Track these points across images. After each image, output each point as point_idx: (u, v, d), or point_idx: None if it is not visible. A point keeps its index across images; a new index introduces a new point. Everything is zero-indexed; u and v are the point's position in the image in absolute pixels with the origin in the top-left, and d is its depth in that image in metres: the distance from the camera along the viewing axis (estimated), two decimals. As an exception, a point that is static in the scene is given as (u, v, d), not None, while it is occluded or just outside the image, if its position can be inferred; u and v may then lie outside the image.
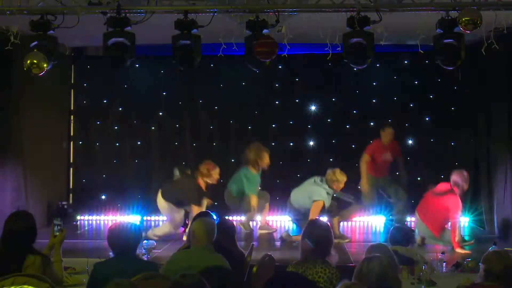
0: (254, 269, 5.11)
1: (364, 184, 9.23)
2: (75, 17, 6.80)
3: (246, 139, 10.70)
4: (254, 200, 9.13)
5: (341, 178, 8.62)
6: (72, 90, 10.97)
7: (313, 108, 10.68)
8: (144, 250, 6.49)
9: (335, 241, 8.69)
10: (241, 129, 10.83)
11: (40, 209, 9.52)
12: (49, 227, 5.00)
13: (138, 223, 4.86)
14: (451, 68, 7.19)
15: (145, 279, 3.99)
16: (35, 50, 6.81)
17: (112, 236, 4.62)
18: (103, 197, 10.88)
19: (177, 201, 8.64)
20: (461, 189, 8.12)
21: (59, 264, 4.87)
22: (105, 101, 10.97)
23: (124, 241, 4.57)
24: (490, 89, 9.62)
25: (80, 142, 10.98)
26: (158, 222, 10.60)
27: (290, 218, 9.38)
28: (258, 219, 9.70)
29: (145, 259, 6.32)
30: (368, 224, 10.41)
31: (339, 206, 8.99)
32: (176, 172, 8.90)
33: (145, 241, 6.64)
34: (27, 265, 4.50)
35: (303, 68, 10.60)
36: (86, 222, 10.68)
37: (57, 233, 4.95)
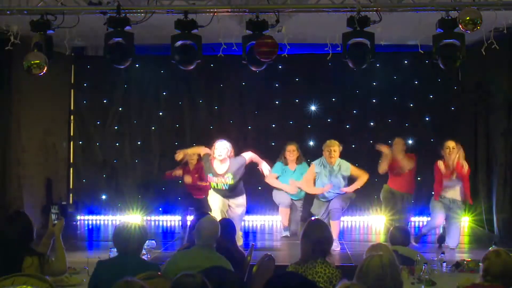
0: (254, 269, 5.11)
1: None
2: (75, 17, 6.80)
3: (246, 139, 10.72)
4: None
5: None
6: (72, 90, 10.97)
7: (313, 108, 10.68)
8: (144, 250, 6.48)
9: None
10: (241, 129, 10.83)
11: (39, 209, 9.52)
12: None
13: (141, 223, 4.84)
14: (451, 68, 7.19)
15: (146, 279, 3.99)
16: (35, 50, 6.82)
17: (117, 235, 4.62)
18: (103, 197, 10.88)
19: None
20: None
21: (61, 251, 4.84)
22: (105, 101, 10.98)
23: (129, 241, 4.57)
24: (490, 89, 9.62)
25: (80, 142, 10.99)
26: (158, 222, 10.63)
27: None
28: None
29: (145, 259, 6.32)
30: (368, 224, 10.43)
31: None
32: None
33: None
34: (25, 267, 4.49)
35: (303, 68, 10.60)
36: (86, 222, 10.68)
37: (56, 222, 4.93)
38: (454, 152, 8.10)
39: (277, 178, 9.04)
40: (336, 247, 8.09)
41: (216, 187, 8.04)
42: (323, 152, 8.35)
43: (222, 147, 7.91)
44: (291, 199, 9.08)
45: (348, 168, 8.32)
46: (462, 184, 8.20)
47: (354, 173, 8.37)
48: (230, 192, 8.04)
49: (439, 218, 8.24)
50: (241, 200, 8.15)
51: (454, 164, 8.10)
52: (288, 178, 8.98)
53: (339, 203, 8.31)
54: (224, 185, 7.99)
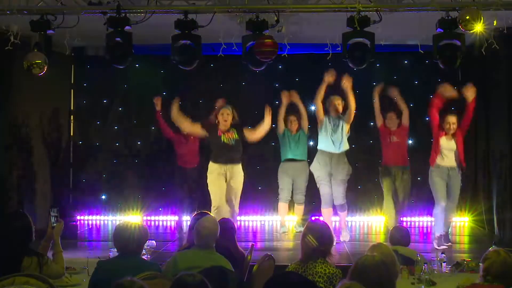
0: (254, 269, 5.11)
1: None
2: (75, 17, 6.81)
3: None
4: None
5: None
6: (72, 90, 10.96)
7: (313, 108, 10.66)
8: (144, 250, 6.48)
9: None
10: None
11: (40, 209, 9.51)
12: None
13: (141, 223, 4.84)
14: (451, 68, 7.19)
15: (146, 279, 3.99)
16: (35, 50, 6.82)
17: (117, 235, 4.62)
18: (103, 197, 10.88)
19: None
20: None
21: (60, 254, 4.85)
22: (105, 101, 10.97)
23: (129, 241, 4.57)
24: (490, 89, 9.62)
25: (80, 142, 10.98)
26: (158, 222, 10.63)
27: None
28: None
29: (145, 259, 6.32)
30: (368, 224, 10.43)
31: None
32: None
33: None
34: (24, 267, 4.49)
35: (303, 68, 10.59)
36: (86, 222, 10.68)
37: (55, 224, 4.94)
38: (453, 128, 8.33)
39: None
40: (345, 236, 8.68)
41: (224, 141, 8.29)
42: (329, 107, 8.72)
43: (226, 112, 8.37)
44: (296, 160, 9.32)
45: (345, 124, 8.72)
46: (457, 149, 8.37)
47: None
48: (233, 153, 8.30)
49: (440, 193, 8.35)
50: (240, 167, 8.39)
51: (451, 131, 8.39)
52: (293, 144, 9.28)
53: (341, 194, 8.63)
54: (231, 139, 8.31)
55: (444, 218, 8.31)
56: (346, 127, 8.70)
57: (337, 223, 9.21)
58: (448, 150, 8.39)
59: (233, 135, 8.34)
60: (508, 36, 7.54)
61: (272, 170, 9.78)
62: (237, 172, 8.31)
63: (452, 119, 8.36)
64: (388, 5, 6.78)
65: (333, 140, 8.68)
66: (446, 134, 8.38)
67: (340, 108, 8.74)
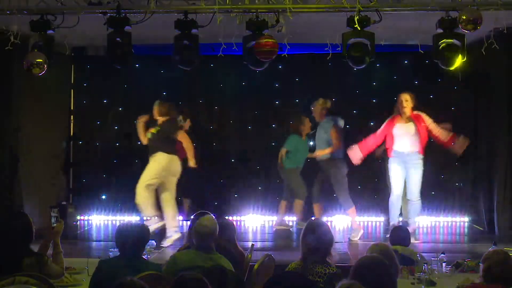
0: (255, 268, 5.12)
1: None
2: (75, 17, 6.81)
3: (246, 139, 10.72)
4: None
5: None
6: (72, 90, 10.96)
7: (313, 108, 10.66)
8: (144, 250, 6.48)
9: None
10: (241, 129, 10.82)
11: (39, 210, 9.51)
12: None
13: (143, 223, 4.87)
14: (451, 68, 7.19)
15: (146, 279, 3.99)
16: (35, 50, 6.82)
17: (119, 235, 4.63)
18: (103, 197, 10.87)
19: None
20: None
21: (60, 255, 4.86)
22: (105, 101, 10.97)
23: (131, 241, 4.57)
24: (490, 89, 9.62)
25: (80, 142, 10.98)
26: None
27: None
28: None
29: (146, 259, 6.32)
30: (369, 223, 10.42)
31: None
32: None
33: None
34: (24, 268, 4.49)
35: (303, 68, 10.60)
36: (86, 222, 10.67)
37: (55, 224, 4.94)
38: (408, 105, 8.32)
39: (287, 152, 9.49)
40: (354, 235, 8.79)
41: (148, 136, 8.58)
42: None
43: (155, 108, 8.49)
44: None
45: (329, 127, 8.96)
46: (419, 135, 8.27)
47: (332, 136, 8.98)
48: (152, 146, 8.54)
49: (398, 181, 8.39)
50: (156, 156, 8.50)
51: (408, 113, 8.30)
52: (304, 149, 9.56)
53: (341, 192, 8.85)
54: (149, 133, 8.52)
55: (404, 210, 8.51)
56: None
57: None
58: (402, 135, 8.31)
59: (154, 129, 8.45)
60: (508, 36, 7.54)
61: (271, 170, 9.79)
62: (152, 160, 8.51)
63: (405, 97, 8.31)
64: (388, 5, 6.78)
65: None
66: (400, 116, 8.30)
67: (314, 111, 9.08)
